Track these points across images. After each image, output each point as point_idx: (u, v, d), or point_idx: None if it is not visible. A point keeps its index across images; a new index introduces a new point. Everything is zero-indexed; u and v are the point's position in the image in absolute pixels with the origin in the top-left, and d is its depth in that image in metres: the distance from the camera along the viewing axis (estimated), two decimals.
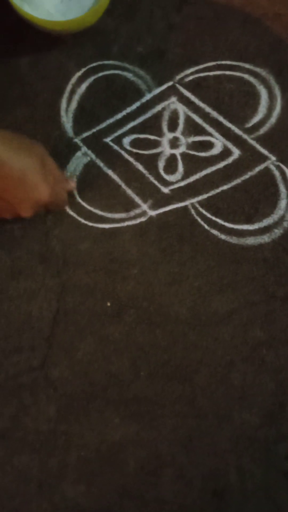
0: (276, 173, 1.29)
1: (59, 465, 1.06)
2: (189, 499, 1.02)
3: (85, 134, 1.36)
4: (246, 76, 1.42)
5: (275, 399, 1.08)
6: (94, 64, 1.47)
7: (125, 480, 1.04)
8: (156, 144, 1.34)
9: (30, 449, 1.07)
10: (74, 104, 1.41)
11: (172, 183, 1.29)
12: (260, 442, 1.05)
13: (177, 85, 1.42)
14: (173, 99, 1.40)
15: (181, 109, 1.38)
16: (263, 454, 1.04)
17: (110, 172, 1.31)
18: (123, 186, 1.29)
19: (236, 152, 1.31)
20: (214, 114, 1.37)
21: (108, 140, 1.35)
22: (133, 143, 1.34)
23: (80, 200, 1.29)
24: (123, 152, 1.33)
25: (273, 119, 1.35)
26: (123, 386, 1.10)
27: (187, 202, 1.27)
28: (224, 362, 1.11)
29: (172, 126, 1.36)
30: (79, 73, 1.46)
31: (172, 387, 1.10)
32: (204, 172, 1.30)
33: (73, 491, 1.04)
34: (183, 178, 1.29)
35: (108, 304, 1.18)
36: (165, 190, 1.28)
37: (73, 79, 1.45)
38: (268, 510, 1.01)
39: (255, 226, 1.23)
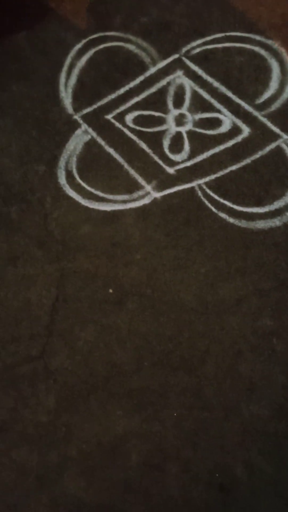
0: None
1: (59, 458, 1.03)
2: (195, 494, 0.99)
3: (85, 111, 1.32)
4: (256, 48, 1.37)
5: (286, 391, 1.05)
6: (94, 36, 1.41)
7: (128, 474, 1.01)
8: (160, 121, 1.29)
9: (29, 442, 1.04)
10: (73, 79, 1.36)
11: (177, 163, 1.25)
12: (269, 436, 1.02)
13: (183, 58, 1.37)
14: (179, 73, 1.35)
15: (188, 84, 1.33)
16: (273, 449, 1.01)
17: (111, 151, 1.27)
18: (126, 166, 1.25)
19: (245, 130, 1.27)
20: (223, 89, 1.32)
21: (109, 117, 1.31)
22: (136, 120, 1.30)
23: (80, 181, 1.25)
24: (125, 130, 1.29)
25: (285, 95, 1.31)
26: (126, 377, 1.07)
27: (193, 183, 1.23)
28: (232, 352, 1.08)
29: (178, 102, 1.32)
30: (78, 46, 1.41)
31: (177, 378, 1.07)
32: (211, 152, 1.26)
33: (74, 485, 1.01)
34: (189, 158, 1.25)
35: (110, 291, 1.15)
36: (170, 170, 1.24)
37: (72, 52, 1.40)
38: (277, 507, 0.98)
39: (266, 209, 1.20)
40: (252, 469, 1.01)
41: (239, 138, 1.27)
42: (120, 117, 1.31)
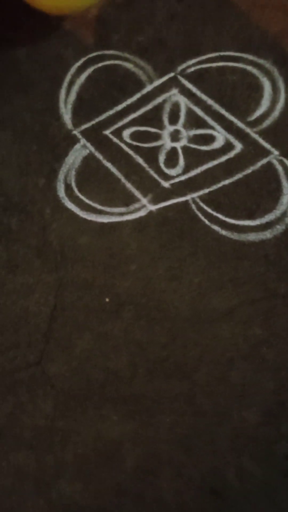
0: (279, 168, 1.27)
1: (56, 462, 1.05)
2: (188, 497, 1.01)
3: (84, 126, 1.35)
4: (249, 67, 1.40)
5: (275, 398, 1.07)
6: (93, 54, 1.44)
7: (123, 478, 1.03)
8: (156, 137, 1.32)
9: (26, 446, 1.06)
10: (73, 95, 1.39)
11: (172, 177, 1.27)
12: (260, 441, 1.04)
13: (179, 77, 1.40)
14: (175, 90, 1.38)
15: (183, 101, 1.36)
16: (263, 453, 1.03)
17: (109, 165, 1.29)
18: (123, 179, 1.28)
19: (238, 146, 1.30)
20: (216, 106, 1.35)
21: (107, 132, 1.34)
22: (133, 136, 1.33)
23: (78, 194, 1.28)
24: (123, 145, 1.32)
25: (276, 112, 1.33)
26: (121, 383, 1.10)
27: (187, 197, 1.25)
28: (224, 360, 1.10)
29: (173, 119, 1.34)
30: (78, 63, 1.43)
31: (171, 385, 1.09)
32: (205, 166, 1.28)
33: (70, 489, 1.03)
34: (184, 172, 1.28)
35: (107, 300, 1.17)
36: (166, 184, 1.27)
37: (72, 70, 1.43)
38: (268, 510, 1.00)
39: (257, 222, 1.22)
40: (244, 474, 1.02)
41: (231, 154, 1.29)
42: (118, 133, 1.33)
